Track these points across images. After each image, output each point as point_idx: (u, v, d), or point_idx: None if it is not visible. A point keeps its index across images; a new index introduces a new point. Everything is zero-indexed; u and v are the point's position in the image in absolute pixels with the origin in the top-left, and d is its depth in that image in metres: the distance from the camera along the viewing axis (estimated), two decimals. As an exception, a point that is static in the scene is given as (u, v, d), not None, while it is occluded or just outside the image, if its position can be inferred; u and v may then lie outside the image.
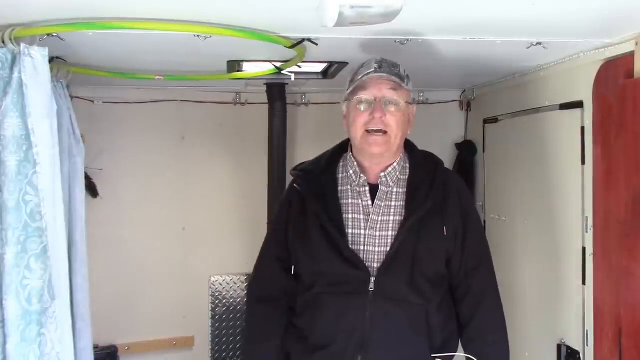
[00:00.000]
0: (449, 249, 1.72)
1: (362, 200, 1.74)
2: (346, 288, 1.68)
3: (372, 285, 1.65)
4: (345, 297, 1.68)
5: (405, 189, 1.74)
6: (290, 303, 1.83)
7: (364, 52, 1.90)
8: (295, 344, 1.79)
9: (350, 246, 1.69)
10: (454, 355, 1.74)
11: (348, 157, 1.80)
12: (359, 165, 1.76)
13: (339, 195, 1.77)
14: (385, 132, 1.67)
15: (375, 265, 1.68)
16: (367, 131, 1.67)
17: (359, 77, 1.67)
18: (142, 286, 2.91)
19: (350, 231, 1.72)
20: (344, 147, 1.84)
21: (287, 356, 1.84)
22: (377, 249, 1.69)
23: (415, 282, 1.67)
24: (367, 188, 1.74)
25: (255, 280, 1.92)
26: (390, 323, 1.66)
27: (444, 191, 1.73)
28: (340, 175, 1.81)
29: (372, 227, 1.71)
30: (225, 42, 1.69)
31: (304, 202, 1.78)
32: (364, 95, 1.67)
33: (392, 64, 1.70)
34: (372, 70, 1.66)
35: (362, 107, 1.68)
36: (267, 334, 1.84)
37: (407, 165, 1.79)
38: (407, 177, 1.76)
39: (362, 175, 1.75)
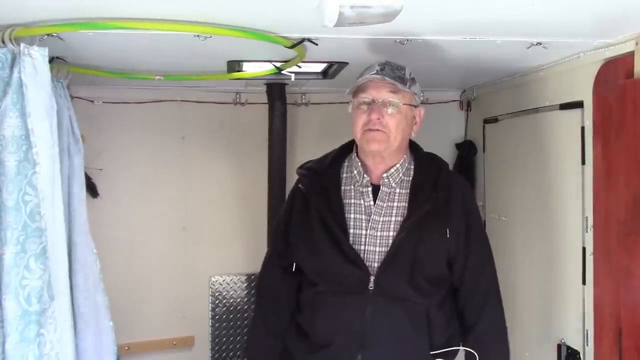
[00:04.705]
0: (450, 250, 1.72)
1: (364, 201, 1.75)
2: (346, 287, 1.70)
3: (371, 284, 1.66)
4: (345, 296, 1.70)
5: (408, 190, 1.74)
6: (293, 301, 1.88)
7: (364, 52, 1.90)
8: (297, 342, 1.81)
9: (352, 246, 1.70)
10: (454, 350, 1.75)
11: (353, 157, 1.81)
12: (363, 165, 1.77)
13: (342, 194, 1.77)
14: (383, 132, 1.68)
15: (376, 264, 1.69)
16: (366, 130, 1.68)
17: (361, 79, 1.69)
18: (142, 286, 2.91)
19: (351, 231, 1.73)
20: (350, 147, 1.85)
21: (289, 354, 1.87)
22: (377, 249, 1.70)
23: (416, 281, 1.67)
24: (370, 189, 1.75)
25: (260, 279, 2.01)
26: (390, 321, 1.67)
27: (448, 193, 1.73)
28: (344, 175, 1.82)
29: (374, 228, 1.72)
30: (225, 42, 1.69)
31: (308, 200, 1.79)
32: (363, 97, 1.69)
33: (397, 66, 1.71)
34: (373, 72, 1.67)
35: (362, 109, 1.69)
36: (269, 329, 1.91)
37: (412, 166, 1.79)
38: (410, 178, 1.77)
39: (365, 176, 1.76)
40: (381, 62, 1.70)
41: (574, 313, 2.03)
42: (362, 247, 1.71)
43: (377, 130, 1.67)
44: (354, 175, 1.78)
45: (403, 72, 1.71)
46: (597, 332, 1.89)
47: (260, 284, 2.02)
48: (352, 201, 1.77)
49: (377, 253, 1.70)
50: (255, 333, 2.00)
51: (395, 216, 1.72)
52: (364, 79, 1.68)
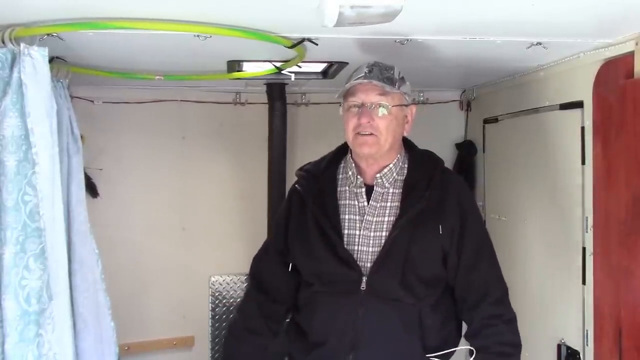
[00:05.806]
0: (444, 247, 1.71)
1: (358, 202, 1.76)
2: (340, 287, 1.71)
3: (363, 285, 1.67)
4: (338, 296, 1.71)
5: (401, 190, 1.74)
6: (288, 300, 1.88)
7: (364, 52, 1.90)
8: (295, 341, 1.82)
9: (345, 246, 1.71)
10: (450, 352, 1.74)
11: (348, 159, 1.81)
12: (357, 166, 1.78)
13: (338, 195, 1.78)
14: (374, 136, 1.68)
15: (369, 265, 1.69)
16: (358, 134, 1.69)
17: (350, 83, 1.69)
18: (142, 286, 2.91)
19: (346, 232, 1.73)
20: (345, 148, 1.85)
21: (288, 354, 1.90)
22: (370, 249, 1.70)
23: (408, 281, 1.67)
24: (364, 189, 1.76)
25: (257, 268, 1.96)
26: (382, 322, 1.67)
27: (442, 191, 1.73)
28: (340, 176, 1.83)
29: (367, 228, 1.72)
30: (225, 42, 1.69)
31: (304, 202, 1.79)
32: (352, 101, 1.69)
33: (385, 67, 1.70)
34: (361, 75, 1.67)
35: (352, 111, 1.70)
36: (256, 329, 1.89)
37: (406, 165, 1.79)
38: (404, 177, 1.77)
39: (359, 177, 1.76)
40: (369, 64, 1.70)
41: (574, 313, 2.03)
42: (356, 248, 1.72)
43: (369, 134, 1.67)
44: (349, 176, 1.79)
45: (392, 73, 1.70)
46: (597, 332, 1.89)
47: (257, 273, 1.95)
48: (347, 202, 1.77)
49: (370, 253, 1.70)
50: (245, 323, 1.92)
51: (389, 216, 1.73)
52: (351, 84, 1.68)
